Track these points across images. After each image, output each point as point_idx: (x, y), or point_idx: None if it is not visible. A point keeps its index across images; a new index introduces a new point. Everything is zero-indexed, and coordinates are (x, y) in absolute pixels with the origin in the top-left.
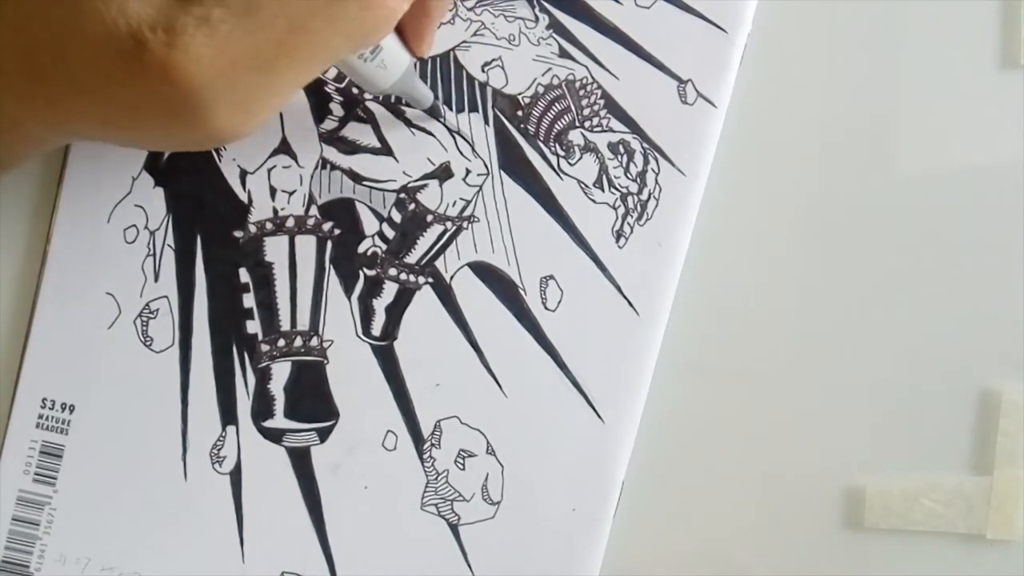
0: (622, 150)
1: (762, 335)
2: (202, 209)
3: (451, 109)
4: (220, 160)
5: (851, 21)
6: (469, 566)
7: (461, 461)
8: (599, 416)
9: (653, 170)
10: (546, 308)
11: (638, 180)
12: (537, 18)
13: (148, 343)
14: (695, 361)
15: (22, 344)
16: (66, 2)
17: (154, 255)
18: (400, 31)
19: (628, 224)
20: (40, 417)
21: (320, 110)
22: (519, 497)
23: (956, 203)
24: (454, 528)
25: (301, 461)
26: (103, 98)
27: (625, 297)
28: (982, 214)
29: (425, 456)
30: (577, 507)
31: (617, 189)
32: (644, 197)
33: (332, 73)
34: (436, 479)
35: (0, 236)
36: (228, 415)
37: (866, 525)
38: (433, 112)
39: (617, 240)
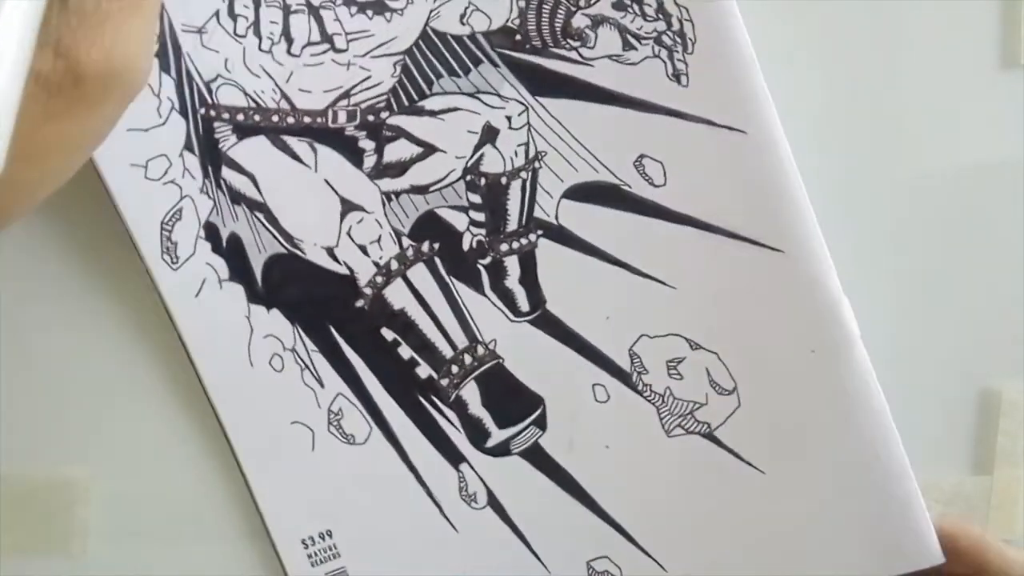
0: (628, 1)
1: None
2: (318, 303)
3: (458, 76)
4: (305, 253)
5: (851, 21)
6: (748, 463)
7: (675, 371)
8: (774, 249)
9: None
10: (655, 186)
11: (660, 16)
12: None
13: (351, 441)
14: None
15: (253, 505)
16: None
17: (308, 367)
18: None
19: (679, 60)
20: (310, 556)
21: (355, 155)
22: (751, 371)
23: (956, 203)
24: (710, 436)
25: (539, 457)
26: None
27: (721, 126)
28: (982, 214)
29: (640, 387)
30: (815, 347)
31: (647, 38)
32: (676, 27)
33: (343, 117)
34: (663, 402)
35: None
36: (454, 456)
37: None
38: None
39: (679, 81)
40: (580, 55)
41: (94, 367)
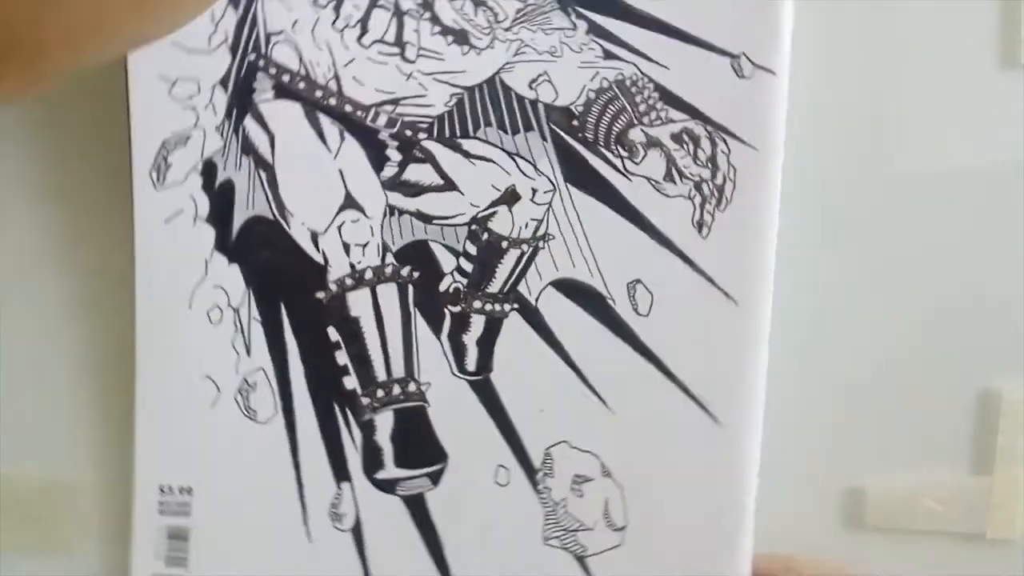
0: (686, 138)
1: None
2: (281, 278)
3: (506, 132)
4: (289, 227)
5: (851, 22)
6: None
7: (578, 488)
8: (714, 418)
9: (723, 152)
10: (638, 314)
11: (709, 165)
12: (575, 25)
13: (252, 416)
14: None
15: (132, 436)
16: None
17: (242, 331)
18: None
19: (708, 212)
20: (161, 504)
21: (378, 159)
22: (645, 518)
23: (956, 203)
24: (581, 560)
25: (417, 508)
26: None
27: (719, 288)
28: (982, 214)
29: (540, 487)
30: (710, 518)
31: (689, 179)
32: (719, 181)
33: (384, 120)
34: (554, 510)
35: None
36: (341, 472)
37: (866, 525)
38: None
39: (700, 231)
40: (623, 166)
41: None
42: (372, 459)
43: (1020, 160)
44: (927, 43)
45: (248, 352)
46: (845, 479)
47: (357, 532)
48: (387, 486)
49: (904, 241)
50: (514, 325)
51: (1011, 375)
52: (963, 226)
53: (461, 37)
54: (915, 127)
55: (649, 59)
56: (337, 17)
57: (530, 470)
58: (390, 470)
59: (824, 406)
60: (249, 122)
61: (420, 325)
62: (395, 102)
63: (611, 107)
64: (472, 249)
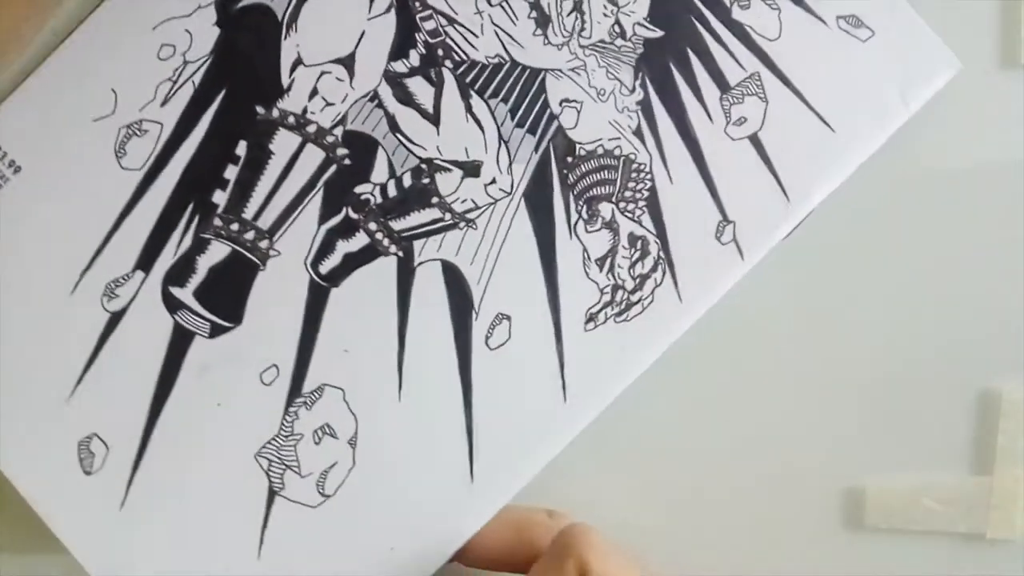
0: (639, 246)
1: (761, 335)
2: (242, 68)
3: (512, 120)
4: (285, 36)
5: None
6: (262, 539)
7: (320, 435)
8: (471, 473)
9: (655, 280)
10: (487, 344)
11: (637, 281)
12: (634, 89)
13: (120, 156)
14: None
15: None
16: None
17: (174, 82)
18: None
19: (605, 314)
20: None
21: (399, 50)
22: (350, 506)
23: (956, 203)
24: (272, 494)
25: (179, 342)
26: None
27: (563, 378)
28: (982, 214)
29: (291, 409)
30: (397, 549)
31: (614, 277)
32: (634, 300)
33: (431, 26)
34: (286, 438)
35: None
36: (145, 261)
37: (866, 525)
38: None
39: (587, 323)
40: (575, 223)
41: None
42: (180, 272)
43: (1020, 160)
44: None
45: (164, 103)
46: (845, 479)
47: (114, 320)
48: (172, 303)
49: (904, 241)
50: (385, 267)
51: (1011, 375)
52: (963, 226)
53: (543, 21)
54: (915, 127)
55: (664, 163)
56: None
57: (296, 390)
58: (186, 293)
59: (824, 406)
60: None
61: (314, 203)
62: (451, 21)
63: (605, 172)
64: (406, 181)
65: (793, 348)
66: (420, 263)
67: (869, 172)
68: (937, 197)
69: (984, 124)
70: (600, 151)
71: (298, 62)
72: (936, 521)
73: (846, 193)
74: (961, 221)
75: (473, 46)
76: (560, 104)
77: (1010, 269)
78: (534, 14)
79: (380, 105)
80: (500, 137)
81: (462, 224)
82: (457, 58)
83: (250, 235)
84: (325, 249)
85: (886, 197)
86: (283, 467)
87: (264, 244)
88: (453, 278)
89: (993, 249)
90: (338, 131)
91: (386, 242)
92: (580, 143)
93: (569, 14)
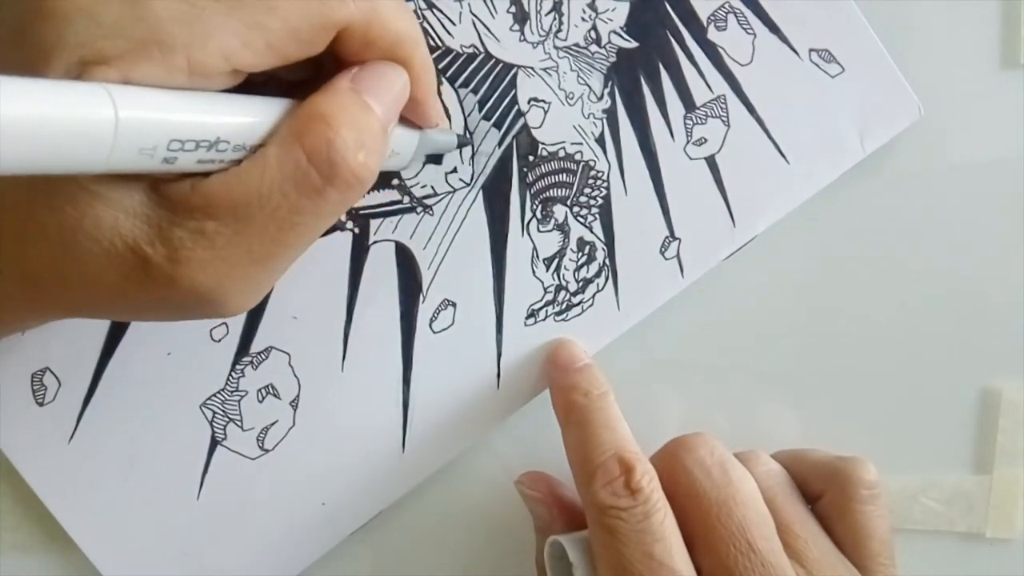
0: (587, 251)
1: (760, 336)
2: None
3: (479, 112)
4: None
5: None
6: (202, 482)
7: (263, 394)
8: (403, 445)
9: (598, 286)
10: (430, 327)
11: (581, 284)
12: (602, 96)
13: None
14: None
15: None
16: (60, 223)
17: None
18: (402, 117)
19: (546, 312)
20: None
21: None
22: (286, 462)
23: (956, 202)
24: (214, 443)
25: None
26: (106, 302)
27: (499, 367)
28: (982, 214)
29: (238, 366)
30: (327, 504)
31: (559, 278)
32: (575, 301)
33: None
34: (231, 393)
35: None
36: None
37: None
38: (461, 144)
39: (527, 318)
40: (527, 222)
41: None
42: None
43: (1020, 160)
44: (927, 43)
45: None
46: None
47: None
48: None
49: (904, 240)
50: (339, 242)
51: (1011, 375)
52: (963, 226)
53: (521, 18)
54: (915, 127)
55: (622, 174)
56: None
57: (244, 349)
58: None
59: (824, 405)
60: None
61: None
62: (430, 5)
63: (564, 175)
64: None
65: (793, 348)
66: (375, 242)
67: (869, 172)
68: (937, 197)
69: (984, 124)
70: (561, 154)
71: None
72: (936, 520)
73: (846, 193)
74: (961, 221)
75: (449, 33)
76: (528, 102)
77: (1010, 269)
78: (513, 9)
79: None
80: (466, 127)
81: (419, 209)
82: (432, 43)
83: None
84: None
85: (886, 196)
86: (226, 419)
87: None
88: (405, 260)
89: (993, 249)
90: None
91: (343, 217)
92: (543, 143)
93: (548, 13)
